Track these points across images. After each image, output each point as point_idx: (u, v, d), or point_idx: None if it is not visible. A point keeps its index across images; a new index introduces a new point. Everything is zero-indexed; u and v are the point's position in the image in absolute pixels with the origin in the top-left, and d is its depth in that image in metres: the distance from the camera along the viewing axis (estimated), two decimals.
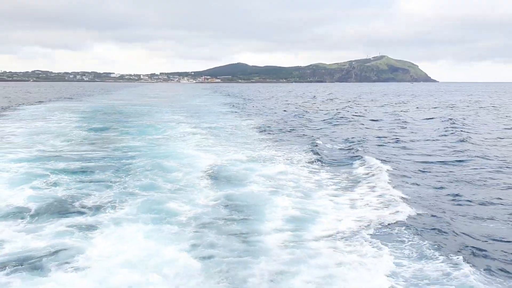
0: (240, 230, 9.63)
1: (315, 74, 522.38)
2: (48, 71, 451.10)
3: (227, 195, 12.07)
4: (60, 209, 11.03)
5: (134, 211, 10.75)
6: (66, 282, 7.34)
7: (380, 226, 9.93)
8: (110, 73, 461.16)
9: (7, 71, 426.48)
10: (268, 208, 11.09)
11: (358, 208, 11.36)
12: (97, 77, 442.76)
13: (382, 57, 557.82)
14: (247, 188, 12.92)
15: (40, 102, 60.65)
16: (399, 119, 36.98)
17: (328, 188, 13.31)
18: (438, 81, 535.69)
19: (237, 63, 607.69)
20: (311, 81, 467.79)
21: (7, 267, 7.79)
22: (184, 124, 31.14)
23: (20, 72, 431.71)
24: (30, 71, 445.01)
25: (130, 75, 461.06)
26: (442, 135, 25.89)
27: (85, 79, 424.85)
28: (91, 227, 9.75)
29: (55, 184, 13.38)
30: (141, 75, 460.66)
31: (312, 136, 24.76)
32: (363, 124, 32.81)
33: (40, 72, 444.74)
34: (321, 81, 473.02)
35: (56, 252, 8.43)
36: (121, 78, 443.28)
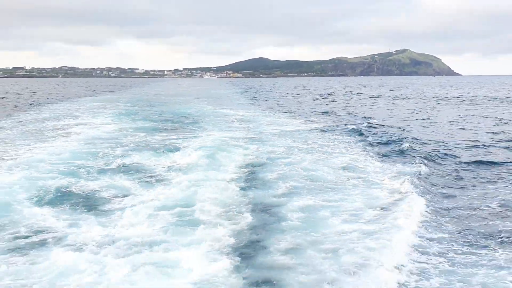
0: (254, 130, 23.67)
1: (337, 68, 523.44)
2: (74, 67, 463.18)
3: (248, 126, 25.80)
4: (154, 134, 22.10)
5: (207, 130, 23.64)
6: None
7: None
8: (135, 69, 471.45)
9: (35, 67, 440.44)
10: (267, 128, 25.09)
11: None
12: (122, 72, 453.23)
13: (404, 50, 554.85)
14: (259, 123, 27.69)
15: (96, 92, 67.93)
16: None
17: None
18: (461, 75, 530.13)
19: (259, 57, 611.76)
20: (332, 75, 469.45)
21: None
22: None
23: (49, 68, 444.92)
24: (57, 67, 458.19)
25: (155, 70, 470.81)
26: None
27: (111, 74, 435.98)
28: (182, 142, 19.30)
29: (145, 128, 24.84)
30: (165, 71, 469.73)
31: None
32: None
33: (67, 68, 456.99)
34: (343, 75, 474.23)
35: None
36: (146, 73, 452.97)
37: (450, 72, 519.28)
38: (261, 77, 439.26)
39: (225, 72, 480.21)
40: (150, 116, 30.66)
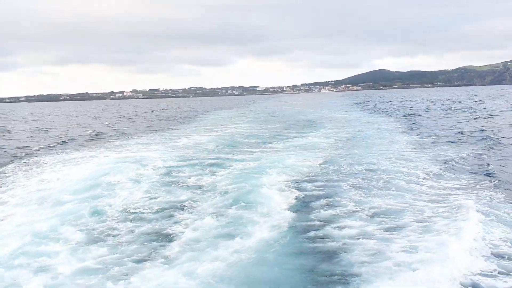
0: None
1: (463, 77, 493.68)
2: (202, 87, 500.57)
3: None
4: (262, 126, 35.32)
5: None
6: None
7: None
8: (256, 87, 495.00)
9: (168, 88, 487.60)
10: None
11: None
12: (245, 91, 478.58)
13: None
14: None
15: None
16: None
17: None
18: None
19: (379, 69, 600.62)
20: (458, 85, 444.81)
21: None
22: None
23: (180, 89, 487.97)
24: (186, 88, 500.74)
25: (274, 87, 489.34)
26: None
27: (235, 93, 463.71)
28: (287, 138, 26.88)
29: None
30: (284, 87, 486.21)
31: None
32: None
33: (196, 88, 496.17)
34: (470, 85, 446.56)
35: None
36: (266, 91, 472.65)
37: None
38: (381, 89, 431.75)
39: (343, 86, 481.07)
40: (268, 120, 43.71)
